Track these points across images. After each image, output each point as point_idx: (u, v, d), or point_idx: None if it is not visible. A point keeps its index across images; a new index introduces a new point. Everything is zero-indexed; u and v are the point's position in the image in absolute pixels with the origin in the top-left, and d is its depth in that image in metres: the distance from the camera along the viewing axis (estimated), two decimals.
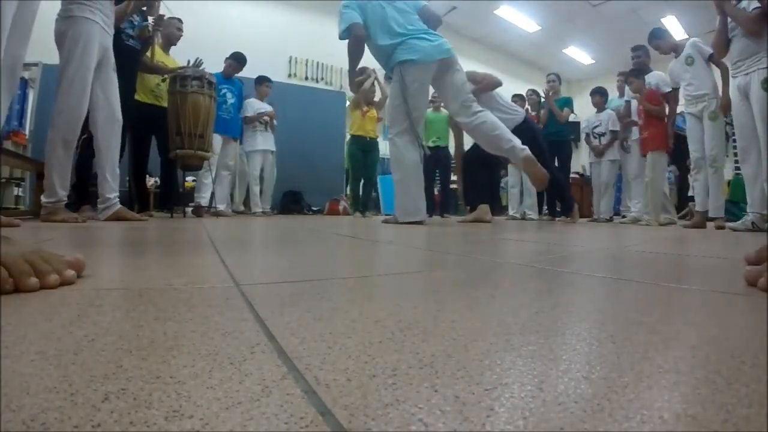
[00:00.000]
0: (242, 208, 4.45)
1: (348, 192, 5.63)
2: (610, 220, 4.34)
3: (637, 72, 3.70)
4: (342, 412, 0.20)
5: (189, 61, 3.29)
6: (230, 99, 3.89)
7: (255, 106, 4.28)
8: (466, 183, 3.79)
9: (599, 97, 4.56)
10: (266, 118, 4.28)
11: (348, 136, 4.80)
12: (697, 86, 3.03)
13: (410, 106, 2.52)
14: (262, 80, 4.42)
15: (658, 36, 3.38)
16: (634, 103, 3.94)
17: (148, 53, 3.07)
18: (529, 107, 4.94)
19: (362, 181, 4.71)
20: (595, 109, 4.60)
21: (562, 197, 3.77)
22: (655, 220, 3.52)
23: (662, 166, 3.68)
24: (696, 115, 3.06)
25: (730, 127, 3.42)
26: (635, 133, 3.99)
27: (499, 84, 3.47)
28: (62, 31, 2.02)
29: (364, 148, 4.59)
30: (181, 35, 3.46)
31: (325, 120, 6.14)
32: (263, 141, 4.28)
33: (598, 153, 4.51)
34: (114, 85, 2.25)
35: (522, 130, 3.25)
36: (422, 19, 2.62)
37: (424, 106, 2.68)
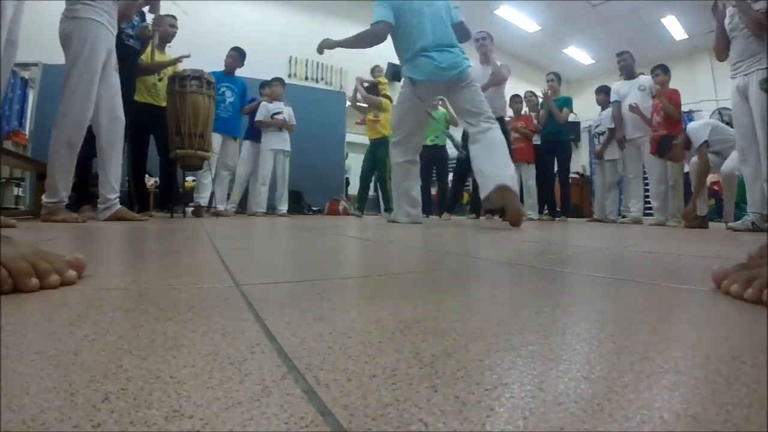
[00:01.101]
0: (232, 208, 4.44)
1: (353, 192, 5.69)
2: (614, 221, 4.34)
3: (665, 67, 3.71)
4: (342, 412, 0.20)
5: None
6: (229, 98, 3.88)
7: (269, 108, 4.27)
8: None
9: (604, 95, 4.54)
10: (278, 119, 4.28)
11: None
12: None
13: (408, 119, 2.62)
14: (273, 81, 4.42)
15: (665, 148, 3.33)
16: (625, 108, 3.96)
17: (145, 56, 3.07)
18: (527, 109, 4.94)
19: (373, 182, 4.80)
20: (600, 108, 4.59)
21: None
22: (683, 221, 3.51)
23: (682, 168, 3.68)
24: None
25: (730, 127, 3.41)
26: (632, 133, 3.99)
27: (505, 79, 3.57)
28: (68, 32, 2.01)
29: (370, 149, 4.67)
30: (176, 32, 3.45)
31: (325, 120, 6.13)
32: (273, 140, 4.27)
33: (597, 155, 4.50)
34: (116, 85, 2.24)
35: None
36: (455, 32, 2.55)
37: (420, 121, 2.68)
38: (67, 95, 1.99)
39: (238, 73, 4.05)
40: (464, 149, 3.52)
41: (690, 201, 3.16)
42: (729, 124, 3.31)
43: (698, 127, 3.15)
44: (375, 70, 4.77)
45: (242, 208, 4.47)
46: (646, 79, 3.93)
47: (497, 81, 3.89)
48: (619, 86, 4.14)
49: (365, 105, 4.67)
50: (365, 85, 4.65)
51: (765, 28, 2.31)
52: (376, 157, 4.61)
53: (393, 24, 2.49)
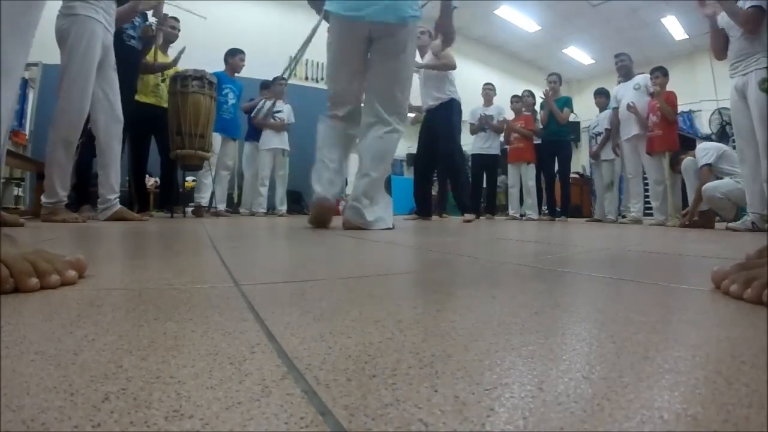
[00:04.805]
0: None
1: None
2: (614, 220, 4.34)
3: (664, 70, 3.73)
4: (342, 412, 0.20)
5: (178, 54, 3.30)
6: (231, 99, 3.89)
7: (269, 106, 4.26)
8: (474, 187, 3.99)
9: (603, 98, 4.57)
10: (277, 121, 4.26)
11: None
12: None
13: (329, 71, 2.01)
14: (279, 80, 4.42)
15: (677, 164, 3.43)
16: (622, 107, 3.96)
17: (149, 55, 3.07)
18: (523, 108, 4.95)
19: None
20: (598, 110, 4.63)
21: (462, 201, 3.58)
22: (678, 222, 3.51)
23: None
24: None
25: (730, 126, 3.41)
26: (630, 132, 4.00)
27: (453, 67, 3.49)
28: (65, 29, 2.00)
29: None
30: (178, 34, 3.46)
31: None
32: (272, 140, 4.26)
33: (593, 155, 4.55)
34: (115, 84, 2.24)
35: (442, 107, 3.42)
36: None
37: (346, 75, 2.12)
38: (63, 93, 1.98)
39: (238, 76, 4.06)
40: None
41: (690, 210, 3.18)
42: (729, 123, 3.31)
43: (708, 148, 3.12)
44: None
45: (232, 207, 4.45)
46: (641, 78, 3.95)
47: (443, 65, 3.48)
48: (617, 90, 4.16)
49: None
50: None
51: (757, 23, 2.31)
52: None
53: None
